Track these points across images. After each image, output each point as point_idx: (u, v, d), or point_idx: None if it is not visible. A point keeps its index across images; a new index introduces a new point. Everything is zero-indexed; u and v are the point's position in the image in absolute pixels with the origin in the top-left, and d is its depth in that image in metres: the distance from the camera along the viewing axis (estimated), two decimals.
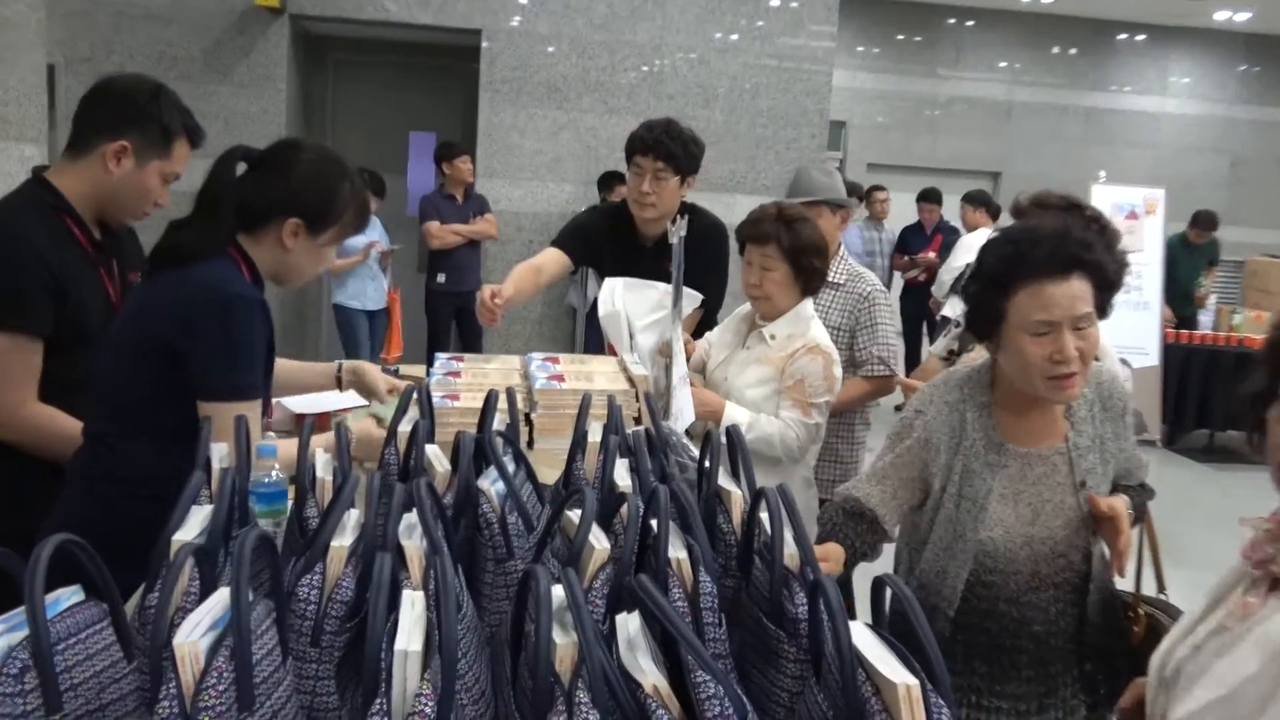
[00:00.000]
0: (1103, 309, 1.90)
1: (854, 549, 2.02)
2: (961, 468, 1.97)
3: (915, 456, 2.02)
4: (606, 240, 3.25)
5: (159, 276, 1.89)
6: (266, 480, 1.53)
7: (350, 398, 2.67)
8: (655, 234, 3.14)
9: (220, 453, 1.49)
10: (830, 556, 1.89)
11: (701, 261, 3.00)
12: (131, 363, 1.86)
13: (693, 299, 2.89)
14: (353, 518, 1.24)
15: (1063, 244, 1.84)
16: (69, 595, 1.02)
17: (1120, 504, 1.94)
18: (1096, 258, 1.86)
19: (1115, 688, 1.94)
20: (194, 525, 1.22)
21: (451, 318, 6.94)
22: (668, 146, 3.05)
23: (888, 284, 8.71)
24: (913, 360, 8.62)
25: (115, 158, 2.13)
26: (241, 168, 1.97)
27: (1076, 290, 1.82)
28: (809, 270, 2.68)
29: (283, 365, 2.31)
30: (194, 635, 0.90)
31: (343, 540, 1.17)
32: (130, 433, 1.86)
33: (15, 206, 2.12)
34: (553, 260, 3.20)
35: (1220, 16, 11.51)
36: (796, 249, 2.65)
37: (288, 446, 1.80)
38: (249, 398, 1.85)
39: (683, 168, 3.09)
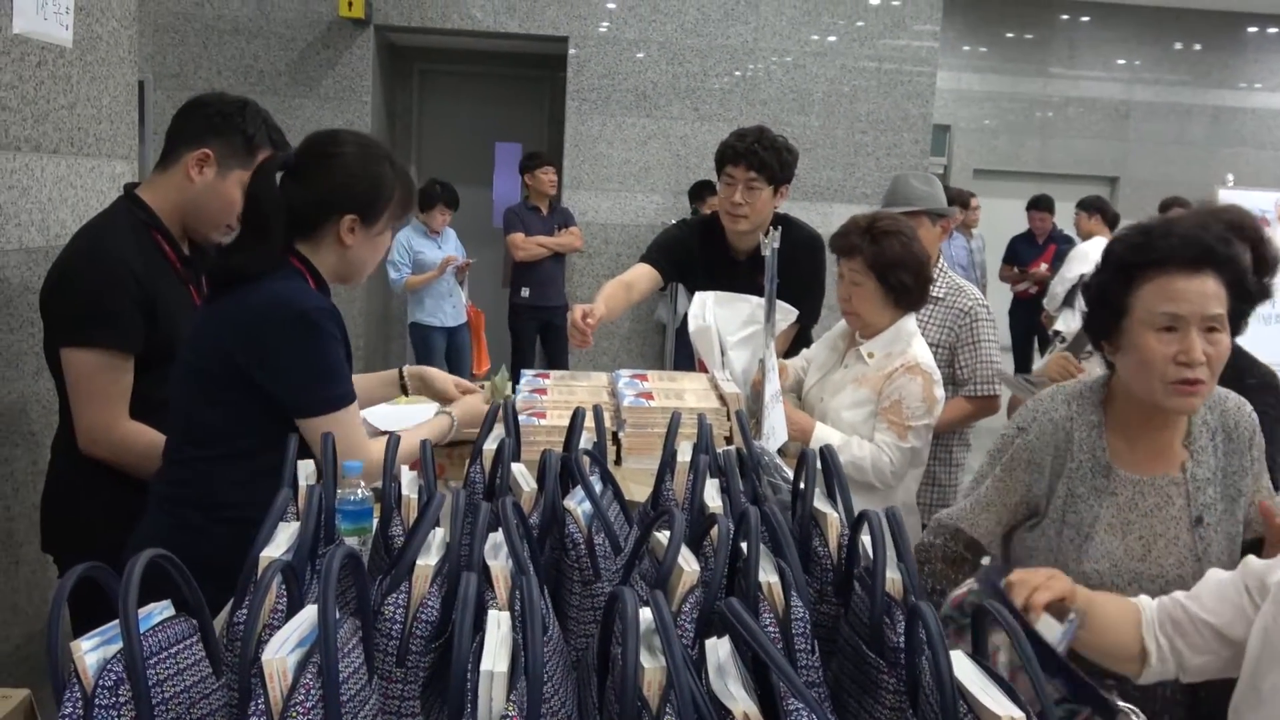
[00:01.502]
0: (1236, 322, 1.81)
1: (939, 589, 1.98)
2: (1066, 491, 1.90)
3: (1018, 480, 1.96)
4: (698, 254, 3.27)
5: (223, 300, 1.90)
6: (352, 498, 1.58)
7: (432, 409, 2.72)
8: (748, 247, 3.15)
9: (306, 470, 1.54)
10: (1057, 577, 1.70)
11: (796, 275, 2.99)
12: (204, 387, 1.90)
13: (787, 313, 2.89)
14: (438, 537, 1.27)
15: (1199, 235, 1.77)
16: (160, 610, 1.06)
17: None
18: (1234, 255, 1.78)
19: None
20: (281, 542, 1.26)
21: (536, 333, 7.01)
22: (760, 155, 3.05)
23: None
24: None
25: (198, 166, 2.20)
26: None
27: (1210, 288, 1.74)
28: (899, 287, 2.61)
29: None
30: (282, 652, 0.93)
31: (428, 560, 1.20)
32: (208, 457, 1.90)
33: (107, 224, 2.22)
34: (643, 276, 3.22)
35: None
36: (883, 263, 2.60)
37: (410, 440, 1.88)
38: (345, 405, 1.90)
39: (776, 177, 3.09)
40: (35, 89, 2.50)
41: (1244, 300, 1.82)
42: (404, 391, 2.54)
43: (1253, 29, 11.68)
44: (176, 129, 2.26)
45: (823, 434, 2.61)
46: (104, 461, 2.16)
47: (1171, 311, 1.74)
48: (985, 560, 2.05)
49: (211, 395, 1.89)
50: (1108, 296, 1.84)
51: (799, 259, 3.08)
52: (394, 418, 2.72)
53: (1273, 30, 11.68)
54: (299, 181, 1.93)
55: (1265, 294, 2.32)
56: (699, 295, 2.96)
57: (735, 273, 3.14)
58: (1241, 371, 2.37)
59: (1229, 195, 7.45)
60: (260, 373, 1.85)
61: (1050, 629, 1.54)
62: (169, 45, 6.93)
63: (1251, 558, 1.67)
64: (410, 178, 2.09)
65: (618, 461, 2.31)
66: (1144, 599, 1.71)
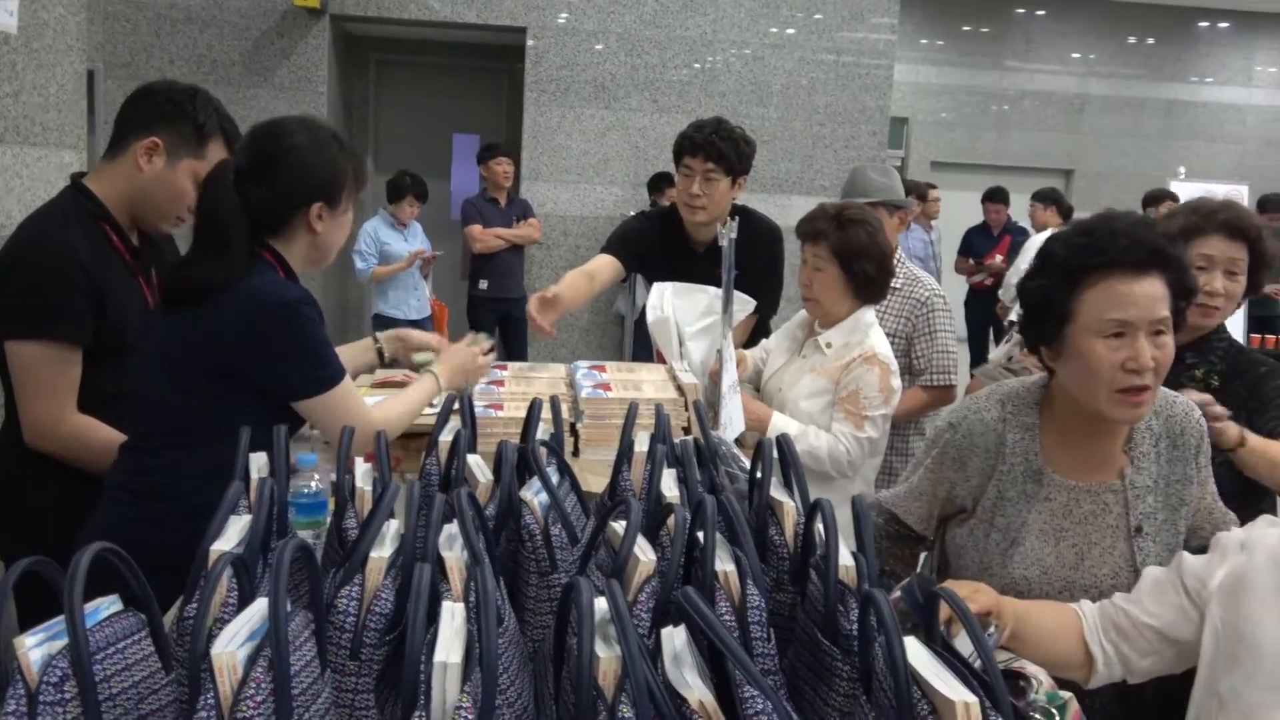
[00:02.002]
0: (1178, 321, 1.73)
1: (890, 570, 1.98)
2: (996, 494, 1.84)
3: (944, 476, 1.93)
4: (658, 246, 3.27)
5: (196, 307, 1.89)
6: (306, 491, 1.56)
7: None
8: (707, 238, 3.15)
9: (259, 463, 1.53)
10: (982, 591, 1.67)
11: (755, 266, 3.00)
12: (180, 381, 1.90)
13: (744, 304, 2.89)
14: (392, 528, 1.26)
15: (1146, 236, 1.69)
16: (107, 605, 1.05)
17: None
18: (1179, 255, 1.71)
19: None
20: (232, 535, 1.25)
21: (495, 325, 6.99)
22: (718, 146, 3.05)
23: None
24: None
25: (147, 155, 2.17)
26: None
27: (1157, 290, 1.67)
28: (861, 276, 2.63)
29: None
30: (232, 645, 0.92)
31: (382, 551, 1.19)
32: (175, 445, 1.90)
33: (54, 214, 2.18)
34: (604, 266, 3.21)
35: None
36: (847, 250, 2.62)
37: (398, 406, 2.11)
38: (339, 381, 1.94)
39: (734, 168, 3.10)
40: None
41: (1184, 299, 1.74)
42: (380, 358, 2.59)
43: (1204, 23, 11.85)
44: (125, 117, 2.22)
45: (780, 424, 2.62)
46: (52, 456, 2.13)
47: (1120, 318, 1.66)
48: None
49: (189, 388, 1.90)
50: (1050, 302, 1.74)
51: (757, 250, 3.09)
52: None
53: (1223, 25, 11.87)
54: (258, 182, 1.92)
55: (1256, 289, 2.35)
56: (657, 286, 2.96)
57: (694, 264, 3.14)
58: (1245, 366, 2.38)
59: (1181, 188, 7.56)
60: (258, 368, 1.87)
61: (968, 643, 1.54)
62: (120, 34, 6.82)
63: (1186, 555, 1.68)
64: (358, 153, 2.09)
65: (575, 453, 2.31)
66: (1084, 604, 1.72)
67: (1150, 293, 1.67)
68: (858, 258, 2.62)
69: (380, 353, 2.58)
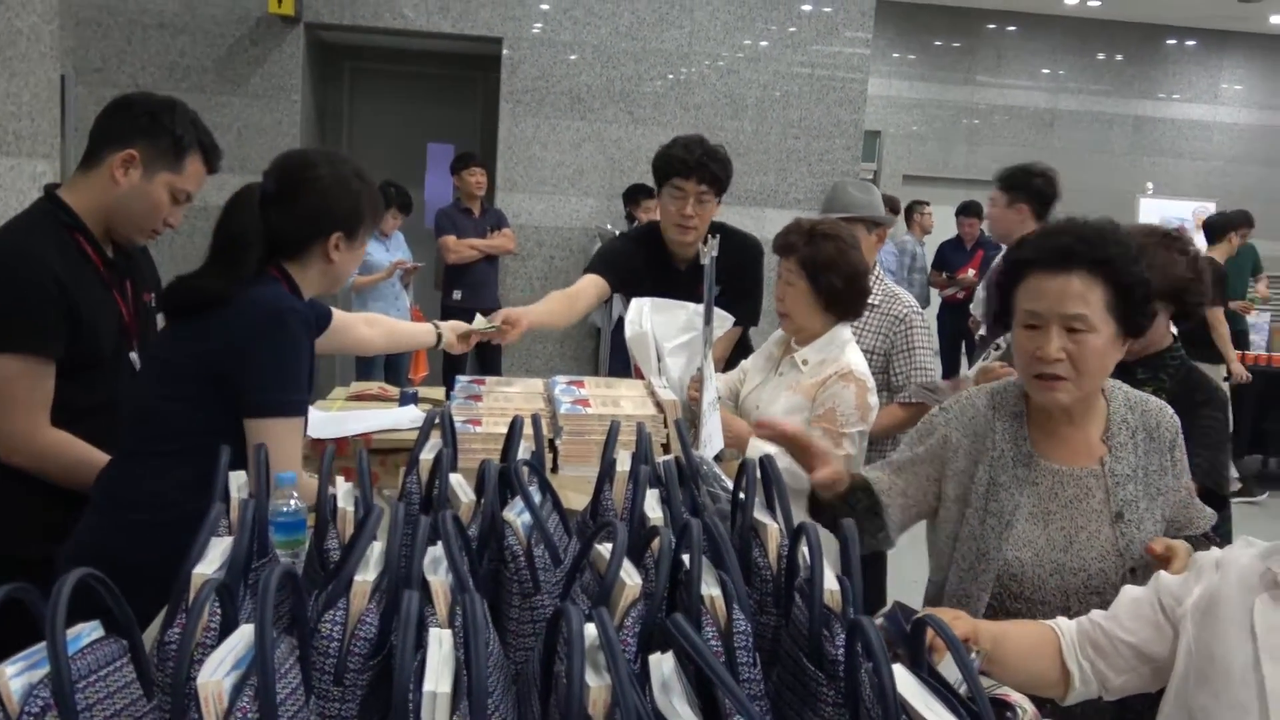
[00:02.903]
0: (1129, 325, 1.84)
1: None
2: (988, 480, 1.93)
3: (934, 455, 2.00)
4: (641, 265, 3.26)
5: (201, 317, 1.92)
6: (285, 509, 1.55)
7: (371, 422, 2.69)
8: (689, 256, 3.15)
9: (239, 482, 1.51)
10: (960, 618, 1.69)
11: (739, 282, 3.00)
12: (174, 388, 1.91)
13: (724, 320, 2.90)
14: (375, 551, 1.25)
15: (1059, 236, 1.84)
16: (89, 631, 1.03)
17: (1181, 547, 1.82)
18: (1107, 257, 1.80)
19: None
20: (214, 558, 1.23)
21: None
22: (711, 169, 3.06)
23: (925, 301, 8.70)
24: None
25: (123, 167, 2.16)
26: None
27: (1073, 288, 1.79)
28: (829, 290, 2.62)
29: (388, 324, 2.81)
30: (218, 674, 0.91)
31: (366, 575, 1.18)
32: (164, 453, 1.90)
33: (27, 225, 2.16)
34: (589, 286, 3.20)
35: (1277, 20, 11.44)
36: (815, 264, 2.62)
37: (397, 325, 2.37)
38: (298, 413, 1.94)
39: (723, 188, 3.12)
40: None
41: (1131, 302, 1.83)
42: (437, 343, 2.86)
43: (1171, 41, 12.00)
44: (101, 129, 2.21)
45: (759, 442, 2.61)
46: (25, 471, 2.10)
47: (1032, 309, 1.82)
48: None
49: (186, 395, 1.91)
50: (1000, 296, 1.93)
51: (744, 265, 3.12)
52: (327, 422, 2.69)
53: (1190, 43, 12.02)
54: (281, 208, 1.99)
55: (1142, 288, 2.41)
56: (636, 301, 2.95)
57: (677, 281, 3.14)
58: (1192, 388, 2.45)
59: (1148, 203, 7.65)
60: (240, 371, 1.88)
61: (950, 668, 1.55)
62: (91, 39, 6.76)
63: (1163, 574, 1.71)
64: (376, 188, 2.17)
65: (554, 469, 2.30)
66: (1061, 621, 1.74)
67: (1062, 289, 1.80)
68: (825, 271, 2.62)
69: (439, 336, 2.83)
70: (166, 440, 1.90)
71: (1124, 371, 2.45)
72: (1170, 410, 2.00)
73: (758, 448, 2.59)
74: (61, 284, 2.07)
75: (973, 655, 1.58)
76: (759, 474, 1.51)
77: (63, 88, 3.10)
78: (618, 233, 6.96)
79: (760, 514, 1.44)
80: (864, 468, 2.11)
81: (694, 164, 3.06)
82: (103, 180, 2.18)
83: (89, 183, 2.19)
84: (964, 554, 1.94)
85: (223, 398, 1.88)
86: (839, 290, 2.64)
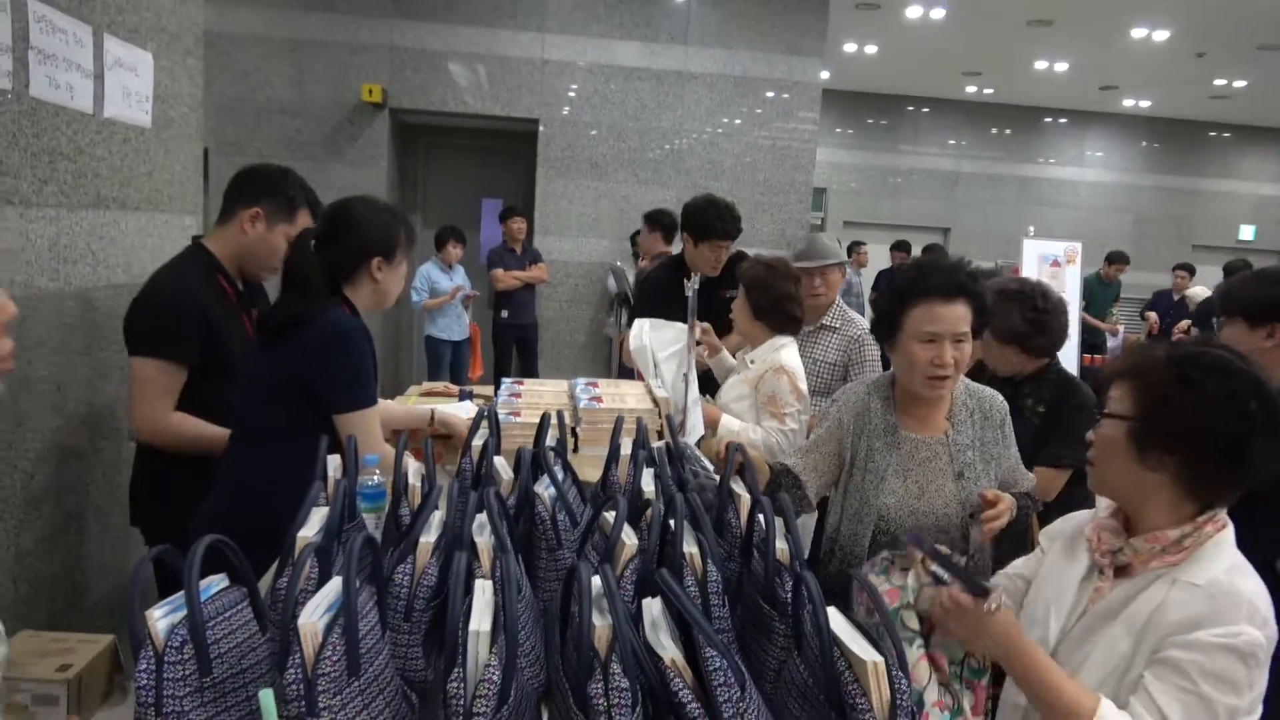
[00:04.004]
0: (979, 332, 1.88)
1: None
2: (866, 447, 1.93)
3: (831, 435, 1.99)
4: (667, 290, 3.27)
5: (285, 340, 1.87)
6: (369, 484, 1.55)
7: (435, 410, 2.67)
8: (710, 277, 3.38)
9: (334, 464, 1.51)
10: (1003, 499, 1.83)
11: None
12: (272, 393, 1.88)
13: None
14: (436, 518, 1.25)
15: (953, 274, 1.84)
16: (217, 582, 1.03)
17: (1006, 498, 1.86)
18: (980, 289, 1.85)
19: None
20: (314, 523, 1.23)
21: (513, 344, 6.98)
22: (739, 229, 3.42)
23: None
24: None
25: (251, 221, 2.17)
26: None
27: (960, 312, 1.82)
28: (756, 304, 2.69)
29: (384, 407, 2.26)
30: (314, 617, 0.91)
31: (428, 537, 1.18)
32: (266, 441, 1.88)
33: (181, 265, 2.17)
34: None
35: (1128, 103, 11.44)
36: (747, 282, 2.72)
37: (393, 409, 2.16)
38: (368, 406, 1.88)
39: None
40: (122, 160, 2.43)
41: (984, 317, 1.87)
42: (430, 423, 2.39)
43: (1048, 119, 11.97)
44: (233, 191, 2.21)
45: (727, 422, 2.64)
46: (159, 450, 2.09)
47: (932, 330, 1.82)
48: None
49: (280, 398, 1.87)
50: (890, 314, 1.90)
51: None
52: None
53: (1063, 120, 11.99)
54: (330, 243, 1.94)
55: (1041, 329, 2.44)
56: (637, 322, 2.95)
57: (684, 304, 3.14)
58: (1068, 395, 2.42)
59: (1030, 243, 7.60)
60: (319, 380, 1.83)
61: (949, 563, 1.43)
62: (228, 121, 6.75)
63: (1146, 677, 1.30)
64: (407, 217, 2.08)
65: (575, 450, 2.29)
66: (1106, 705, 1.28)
67: (955, 314, 1.82)
68: (752, 289, 2.70)
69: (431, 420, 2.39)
70: (264, 430, 1.88)
71: (1013, 387, 2.44)
72: (1001, 398, 2.00)
73: (727, 426, 2.61)
74: (202, 308, 2.07)
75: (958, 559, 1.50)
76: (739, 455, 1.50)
77: (205, 159, 3.09)
78: (619, 263, 6.97)
79: (737, 486, 1.43)
80: (785, 457, 2.08)
81: (733, 230, 3.37)
82: (235, 231, 2.18)
83: (225, 234, 2.20)
84: (851, 502, 1.93)
85: (303, 398, 1.83)
86: (764, 306, 2.69)
